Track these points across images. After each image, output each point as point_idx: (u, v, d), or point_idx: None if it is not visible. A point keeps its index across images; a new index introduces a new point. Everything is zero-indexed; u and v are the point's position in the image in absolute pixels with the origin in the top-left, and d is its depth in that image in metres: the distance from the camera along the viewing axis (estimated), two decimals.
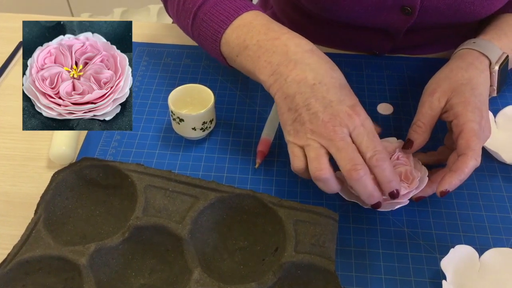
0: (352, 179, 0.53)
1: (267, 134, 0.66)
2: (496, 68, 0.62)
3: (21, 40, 0.81)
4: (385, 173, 0.53)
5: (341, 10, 0.69)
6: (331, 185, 0.54)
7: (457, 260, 0.53)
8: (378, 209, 0.56)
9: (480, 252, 0.54)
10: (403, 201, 0.56)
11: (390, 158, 0.60)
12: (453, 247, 0.53)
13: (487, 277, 0.53)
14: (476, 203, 0.61)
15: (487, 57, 0.62)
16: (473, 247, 0.54)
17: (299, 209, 0.55)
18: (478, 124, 0.56)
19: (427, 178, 0.59)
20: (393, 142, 0.62)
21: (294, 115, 0.56)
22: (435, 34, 0.77)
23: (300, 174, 0.57)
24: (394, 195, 0.54)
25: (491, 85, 0.62)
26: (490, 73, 0.62)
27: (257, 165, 0.64)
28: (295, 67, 0.57)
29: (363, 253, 0.56)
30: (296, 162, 0.56)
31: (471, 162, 0.54)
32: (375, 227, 0.58)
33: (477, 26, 0.82)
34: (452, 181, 0.54)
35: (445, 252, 0.53)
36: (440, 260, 0.53)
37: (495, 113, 0.69)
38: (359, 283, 0.54)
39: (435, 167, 0.62)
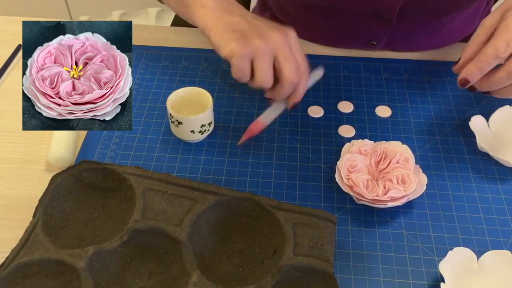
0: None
1: (264, 117, 0.64)
2: None
3: (20, 43, 0.81)
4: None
5: None
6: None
7: (455, 262, 0.53)
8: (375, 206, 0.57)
9: (478, 254, 0.54)
10: (397, 203, 0.57)
11: (390, 161, 0.60)
12: (451, 249, 0.53)
13: (485, 280, 0.53)
14: (474, 206, 0.61)
15: None
16: (471, 250, 0.54)
17: (298, 212, 0.55)
18: None
19: (425, 186, 0.59)
20: (397, 145, 0.63)
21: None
22: (429, 21, 0.77)
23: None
24: None
25: None
26: None
27: (240, 142, 0.63)
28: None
29: (362, 256, 0.56)
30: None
31: (489, 50, 0.54)
32: (373, 229, 0.59)
33: (473, 12, 0.83)
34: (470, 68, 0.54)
35: (443, 254, 0.53)
36: (439, 262, 0.53)
37: (487, 117, 0.68)
38: (358, 286, 0.54)
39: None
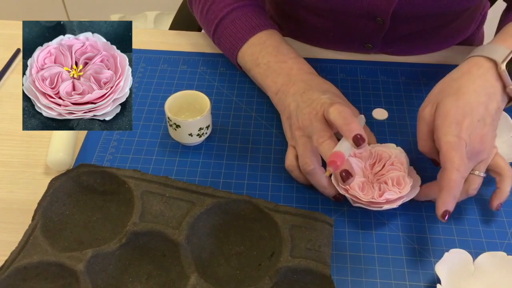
0: (304, 173, 0.60)
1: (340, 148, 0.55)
2: (503, 67, 0.58)
3: (19, 47, 0.81)
4: (322, 148, 0.55)
5: None
6: (317, 178, 0.59)
7: (452, 264, 0.53)
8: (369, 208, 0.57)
9: (474, 256, 0.54)
10: (392, 205, 0.58)
11: (384, 164, 0.61)
12: (447, 251, 0.54)
13: (481, 281, 0.54)
14: (470, 207, 0.61)
15: (490, 59, 0.59)
16: (467, 251, 0.54)
17: (295, 214, 0.56)
18: (456, 136, 0.54)
19: (419, 187, 0.59)
20: (391, 148, 0.63)
21: (289, 121, 0.63)
22: (424, 25, 0.77)
23: (294, 175, 0.62)
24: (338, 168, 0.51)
25: (506, 86, 0.58)
26: (500, 75, 0.58)
27: (327, 173, 0.53)
28: (293, 85, 0.65)
29: (359, 258, 0.57)
30: (286, 161, 0.63)
31: (453, 175, 0.53)
32: (370, 231, 0.59)
33: (468, 17, 0.83)
34: (445, 200, 0.53)
35: (439, 256, 0.53)
36: (435, 264, 0.53)
37: None
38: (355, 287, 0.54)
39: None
